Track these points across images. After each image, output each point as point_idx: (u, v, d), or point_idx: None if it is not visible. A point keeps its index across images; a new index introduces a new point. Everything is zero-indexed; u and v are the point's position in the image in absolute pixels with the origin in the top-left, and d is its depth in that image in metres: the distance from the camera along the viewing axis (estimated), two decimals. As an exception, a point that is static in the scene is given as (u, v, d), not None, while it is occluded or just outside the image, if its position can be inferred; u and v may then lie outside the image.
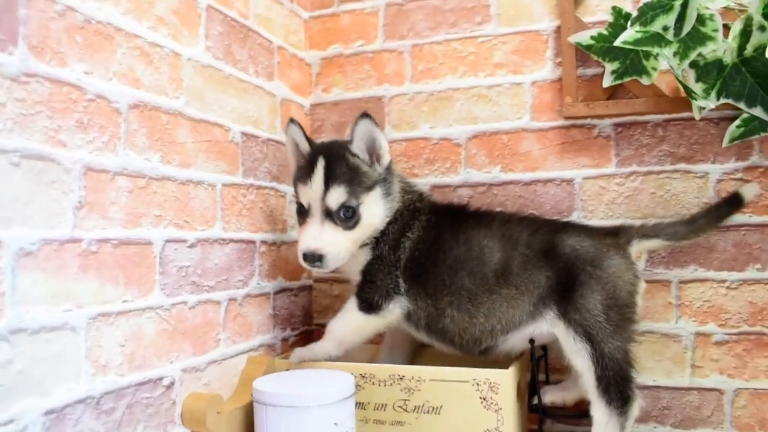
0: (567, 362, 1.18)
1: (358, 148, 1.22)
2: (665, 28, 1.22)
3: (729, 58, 1.24)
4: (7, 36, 0.81)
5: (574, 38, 1.37)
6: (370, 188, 1.21)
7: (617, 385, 1.13)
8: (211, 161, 1.21)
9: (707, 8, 1.20)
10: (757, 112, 1.23)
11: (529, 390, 1.27)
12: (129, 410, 0.98)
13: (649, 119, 1.39)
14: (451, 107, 1.53)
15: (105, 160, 0.95)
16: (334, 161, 1.20)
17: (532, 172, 1.47)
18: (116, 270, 0.97)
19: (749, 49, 1.21)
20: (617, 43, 1.25)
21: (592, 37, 1.34)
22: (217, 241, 1.22)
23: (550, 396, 1.28)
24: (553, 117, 1.45)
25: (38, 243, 0.84)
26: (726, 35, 1.23)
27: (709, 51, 1.23)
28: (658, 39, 1.23)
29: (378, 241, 1.24)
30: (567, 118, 1.43)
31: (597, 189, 1.42)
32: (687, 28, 1.20)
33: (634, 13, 1.24)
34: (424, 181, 1.54)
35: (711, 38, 1.21)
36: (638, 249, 1.25)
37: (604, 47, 1.33)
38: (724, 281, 1.33)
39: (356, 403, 1.15)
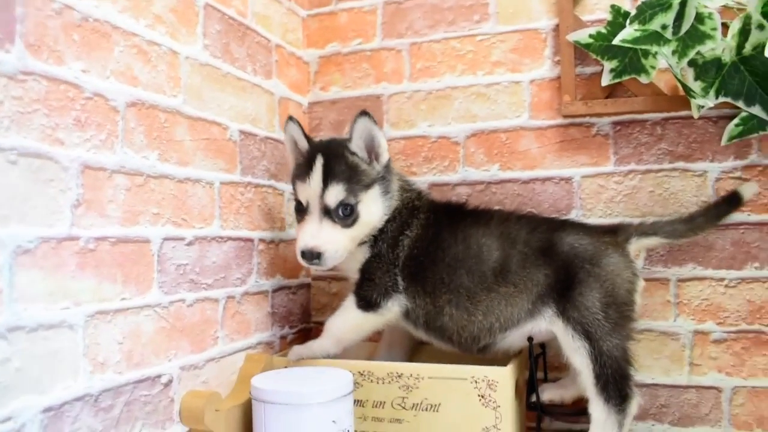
0: (565, 360, 1.18)
1: (356, 146, 1.22)
2: (664, 27, 1.22)
3: (728, 57, 1.24)
4: (4, 34, 0.81)
5: (572, 36, 1.37)
6: (368, 186, 1.21)
7: (616, 383, 1.13)
8: (209, 159, 1.21)
9: (706, 7, 1.20)
10: (756, 110, 1.23)
11: (527, 388, 1.27)
12: (127, 408, 0.98)
13: (647, 118, 1.39)
14: (450, 105, 1.53)
15: (102, 158, 0.95)
16: (332, 159, 1.20)
17: (530, 170, 1.47)
18: (114, 268, 0.97)
19: (748, 48, 1.21)
20: (616, 41, 1.25)
21: (590, 36, 1.34)
22: (215, 239, 1.22)
23: (549, 394, 1.28)
24: (552, 115, 1.45)
25: (36, 241, 0.84)
26: (725, 34, 1.23)
27: (707, 49, 1.23)
28: (657, 37, 1.23)
29: (376, 239, 1.24)
30: (565, 116, 1.43)
31: (595, 187, 1.42)
32: (686, 26, 1.20)
33: (633, 12, 1.24)
34: (422, 180, 1.54)
35: (710, 37, 1.21)
36: (637, 247, 1.25)
37: (602, 46, 1.33)
38: (722, 279, 1.33)
39: (355, 401, 1.14)
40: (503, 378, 1.12)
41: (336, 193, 1.18)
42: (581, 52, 1.39)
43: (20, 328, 0.81)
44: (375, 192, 1.22)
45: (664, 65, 1.29)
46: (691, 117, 1.32)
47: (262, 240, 1.38)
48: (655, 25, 1.22)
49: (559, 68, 1.43)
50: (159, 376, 1.05)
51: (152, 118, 1.07)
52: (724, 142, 1.29)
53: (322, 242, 1.17)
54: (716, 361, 1.33)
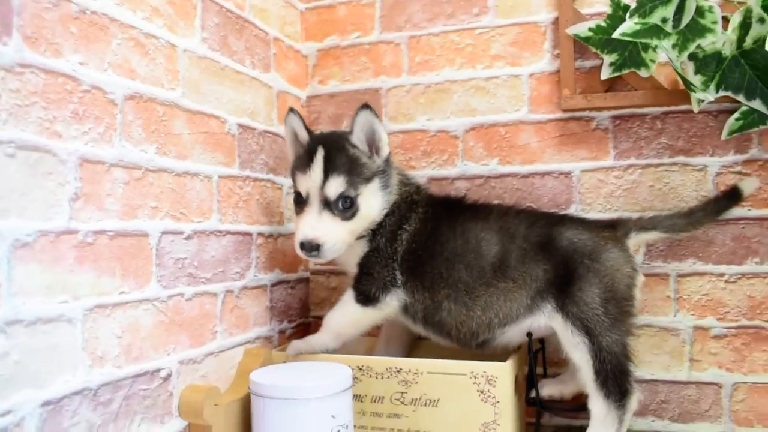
0: (565, 355, 1.17)
1: (357, 139, 1.22)
2: (664, 20, 1.21)
3: (728, 51, 1.23)
4: (2, 26, 0.80)
5: (572, 30, 1.37)
6: (369, 179, 1.21)
7: (615, 379, 1.12)
8: (207, 153, 1.21)
9: (706, 0, 1.20)
10: (756, 104, 1.23)
11: (526, 383, 1.27)
12: (126, 402, 0.97)
13: (647, 112, 1.38)
14: (449, 99, 1.53)
15: (101, 152, 0.95)
16: (333, 151, 1.20)
17: (529, 164, 1.46)
18: (113, 262, 0.96)
19: (748, 42, 1.21)
20: (616, 34, 1.25)
21: (590, 29, 1.34)
22: (214, 233, 1.22)
23: (548, 389, 1.28)
24: (551, 109, 1.45)
25: (34, 234, 0.83)
26: (725, 27, 1.22)
27: (708, 43, 1.23)
28: (657, 31, 1.23)
29: (375, 234, 1.24)
30: (565, 110, 1.42)
31: (595, 182, 1.42)
32: (686, 19, 1.20)
33: (633, 5, 1.24)
34: (421, 174, 1.53)
35: (710, 30, 1.20)
36: (636, 242, 1.25)
37: (602, 39, 1.33)
38: (722, 275, 1.33)
39: (353, 396, 1.14)
40: (502, 373, 1.12)
41: (337, 185, 1.18)
42: (581, 45, 1.38)
43: (19, 321, 0.80)
44: (375, 185, 1.21)
45: (664, 59, 1.29)
46: (691, 111, 1.32)
47: (260, 234, 1.38)
48: (655, 19, 1.22)
49: (559, 62, 1.42)
50: (158, 371, 1.05)
51: (150, 111, 1.06)
52: (724, 136, 1.29)
53: (322, 234, 1.17)
54: (716, 357, 1.33)
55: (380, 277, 1.22)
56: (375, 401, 1.18)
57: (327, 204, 1.18)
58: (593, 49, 1.35)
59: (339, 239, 1.18)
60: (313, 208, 1.19)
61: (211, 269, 1.20)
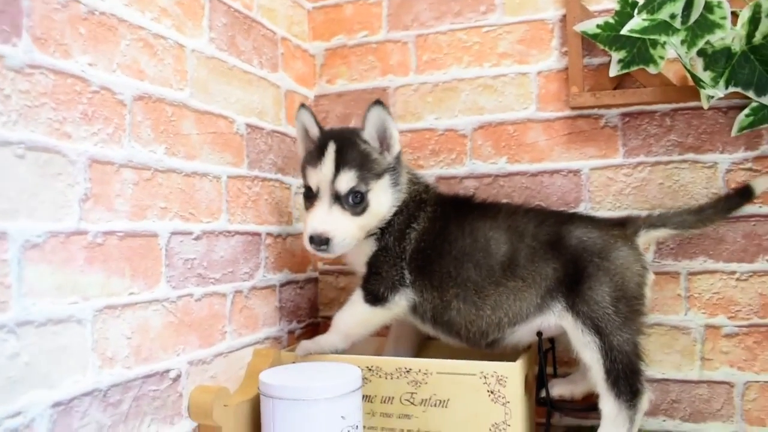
0: (575, 355, 1.17)
1: (369, 135, 1.22)
2: (673, 16, 1.20)
3: (737, 46, 1.23)
4: (11, 27, 0.80)
5: (580, 27, 1.36)
6: (379, 176, 1.20)
7: (626, 378, 1.12)
8: (216, 153, 1.21)
9: (715, -5, 1.19)
10: (766, 100, 1.22)
11: (536, 383, 1.26)
12: (136, 403, 0.97)
13: (656, 109, 1.38)
14: (457, 98, 1.52)
15: (110, 152, 0.95)
16: (345, 146, 1.20)
17: (538, 163, 1.46)
18: (122, 262, 0.96)
19: (758, 37, 1.20)
20: (624, 31, 1.24)
21: (598, 26, 1.33)
22: (223, 234, 1.22)
23: (558, 389, 1.27)
24: (560, 107, 1.44)
25: (44, 235, 0.83)
26: (734, 23, 1.22)
27: (717, 39, 1.22)
28: (666, 27, 1.22)
29: (383, 232, 1.24)
30: (573, 108, 1.42)
31: (604, 180, 1.41)
32: (695, 15, 1.19)
33: (641, 1, 1.23)
34: (429, 173, 1.53)
35: (719, 26, 1.20)
36: (646, 239, 1.24)
37: (610, 36, 1.32)
38: (733, 273, 1.32)
39: (363, 396, 1.14)
40: (512, 373, 1.11)
41: (348, 180, 1.17)
42: (589, 42, 1.38)
43: (29, 322, 0.80)
44: (385, 182, 1.21)
45: (673, 55, 1.28)
46: (701, 108, 1.31)
47: (269, 234, 1.38)
48: (663, 15, 1.21)
49: (567, 59, 1.42)
50: (167, 371, 1.05)
51: (159, 111, 1.06)
52: (734, 132, 1.28)
53: (332, 228, 1.16)
54: (728, 356, 1.32)
55: (389, 276, 1.22)
56: (385, 402, 1.18)
57: (337, 198, 1.18)
58: (601, 47, 1.34)
59: (349, 234, 1.18)
60: (324, 203, 1.19)
61: (220, 269, 1.20)
